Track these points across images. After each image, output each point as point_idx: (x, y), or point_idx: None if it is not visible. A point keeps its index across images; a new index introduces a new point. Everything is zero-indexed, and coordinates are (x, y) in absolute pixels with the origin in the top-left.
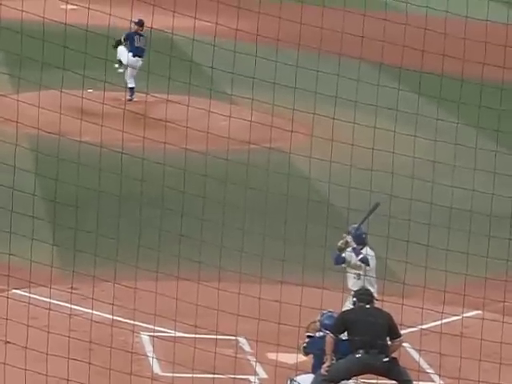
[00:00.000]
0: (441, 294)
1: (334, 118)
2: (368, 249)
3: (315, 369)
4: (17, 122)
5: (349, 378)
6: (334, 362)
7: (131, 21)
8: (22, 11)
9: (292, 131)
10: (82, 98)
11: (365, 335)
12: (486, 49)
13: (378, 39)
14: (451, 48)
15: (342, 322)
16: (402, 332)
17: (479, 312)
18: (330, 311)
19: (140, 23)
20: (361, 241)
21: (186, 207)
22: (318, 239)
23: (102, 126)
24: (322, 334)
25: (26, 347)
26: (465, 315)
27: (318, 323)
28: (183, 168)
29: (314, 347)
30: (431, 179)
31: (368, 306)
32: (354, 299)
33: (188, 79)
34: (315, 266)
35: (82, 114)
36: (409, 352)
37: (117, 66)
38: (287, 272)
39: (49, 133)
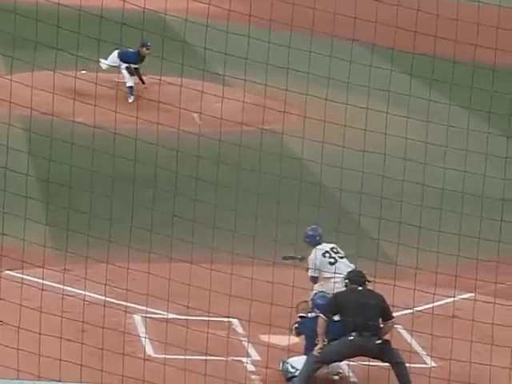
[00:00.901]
0: (433, 275)
1: (326, 100)
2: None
3: (307, 350)
4: (10, 102)
5: (341, 360)
6: (325, 343)
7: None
8: None
9: (285, 112)
10: (75, 78)
11: (357, 317)
12: (478, 30)
13: (370, 21)
14: (443, 30)
15: (334, 304)
16: (395, 314)
17: (472, 294)
18: (322, 291)
19: (145, 45)
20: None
21: (178, 188)
22: (310, 220)
23: (95, 106)
24: (314, 314)
25: (18, 327)
26: (457, 297)
27: (309, 303)
28: (176, 149)
29: (306, 328)
30: (423, 161)
31: (360, 288)
32: (347, 281)
33: (181, 61)
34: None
35: (76, 95)
36: (401, 334)
37: (102, 60)
38: (280, 253)
39: (42, 113)
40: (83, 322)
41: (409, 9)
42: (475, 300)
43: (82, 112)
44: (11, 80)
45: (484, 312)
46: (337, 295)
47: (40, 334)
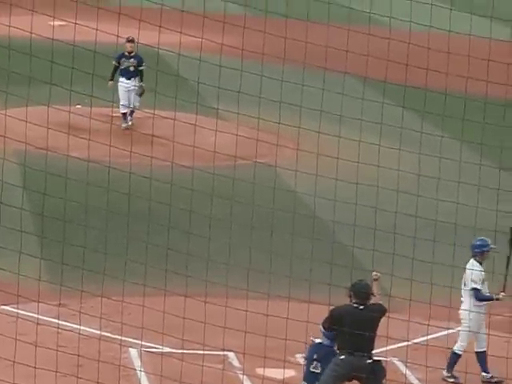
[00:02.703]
0: (427, 307)
1: (319, 132)
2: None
3: (305, 376)
4: (4, 137)
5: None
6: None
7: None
8: (10, 27)
9: (278, 145)
10: (70, 113)
11: (352, 336)
12: (469, 63)
13: (362, 53)
14: (435, 62)
15: (337, 319)
16: (390, 347)
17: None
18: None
19: (129, 39)
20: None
21: (172, 221)
22: (304, 252)
23: (89, 140)
24: (318, 340)
25: (14, 362)
26: (452, 329)
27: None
28: (170, 182)
29: (309, 353)
30: (416, 192)
31: (361, 307)
32: (351, 292)
33: (175, 94)
34: (302, 280)
35: (70, 130)
36: (397, 365)
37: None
38: (274, 285)
39: (37, 148)
40: (79, 356)
41: (400, 42)
42: (470, 331)
43: (76, 146)
44: (6, 115)
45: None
46: (335, 313)
47: (35, 368)
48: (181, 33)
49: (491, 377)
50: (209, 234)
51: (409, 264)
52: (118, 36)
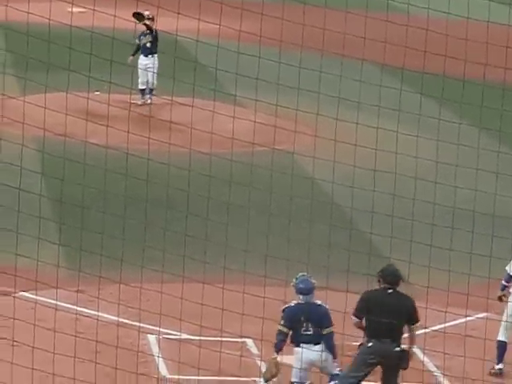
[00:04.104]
0: (446, 294)
1: (337, 119)
2: None
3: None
4: (23, 123)
5: (368, 373)
6: (364, 339)
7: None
8: (29, 13)
9: (296, 132)
10: (88, 99)
11: (381, 322)
12: (487, 49)
13: (380, 40)
14: (453, 49)
15: (365, 303)
16: (407, 334)
17: (485, 314)
18: (303, 274)
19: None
20: None
21: (191, 208)
22: (322, 239)
23: (107, 126)
24: (294, 302)
25: (33, 348)
26: (471, 317)
27: (292, 286)
28: (188, 168)
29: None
30: (434, 179)
31: (390, 291)
32: (380, 277)
33: (193, 81)
34: (320, 266)
35: (89, 116)
36: (415, 353)
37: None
38: (292, 272)
39: (56, 134)
40: (97, 342)
41: (418, 28)
42: (487, 319)
43: (95, 133)
44: (24, 101)
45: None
46: (365, 295)
47: (54, 353)
48: (199, 19)
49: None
50: (227, 220)
51: (427, 251)
52: (136, 23)
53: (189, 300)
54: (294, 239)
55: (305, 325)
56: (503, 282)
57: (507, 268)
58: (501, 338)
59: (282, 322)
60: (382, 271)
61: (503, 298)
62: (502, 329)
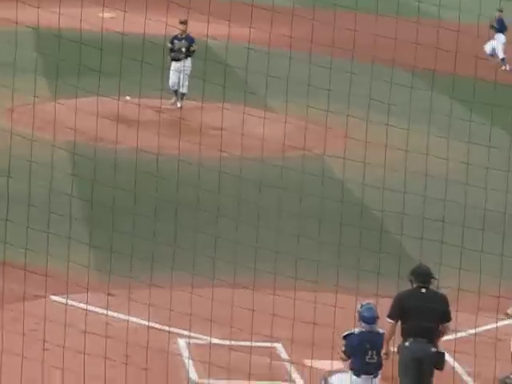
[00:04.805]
0: (476, 297)
1: (367, 122)
2: None
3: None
4: (55, 126)
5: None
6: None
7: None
8: (60, 15)
9: (326, 136)
10: (119, 104)
11: (417, 322)
12: None
13: (410, 43)
14: (483, 52)
15: (400, 304)
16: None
17: None
18: (368, 302)
19: (181, 21)
20: None
21: (221, 210)
22: (352, 241)
23: (137, 131)
24: (358, 330)
25: (63, 351)
26: (503, 321)
27: (356, 314)
28: (218, 172)
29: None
30: (465, 182)
31: (424, 291)
32: (412, 276)
33: (223, 85)
34: (350, 269)
35: (119, 121)
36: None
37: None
38: (322, 275)
39: (87, 138)
40: (127, 345)
41: (449, 30)
42: None
43: (125, 137)
44: (56, 102)
45: None
46: (400, 297)
47: (84, 353)
48: (229, 22)
49: None
50: (257, 223)
51: (457, 254)
52: (166, 25)
53: (219, 301)
54: (324, 242)
55: (369, 353)
56: None
57: None
58: None
59: (343, 349)
60: (413, 271)
61: None
62: None
